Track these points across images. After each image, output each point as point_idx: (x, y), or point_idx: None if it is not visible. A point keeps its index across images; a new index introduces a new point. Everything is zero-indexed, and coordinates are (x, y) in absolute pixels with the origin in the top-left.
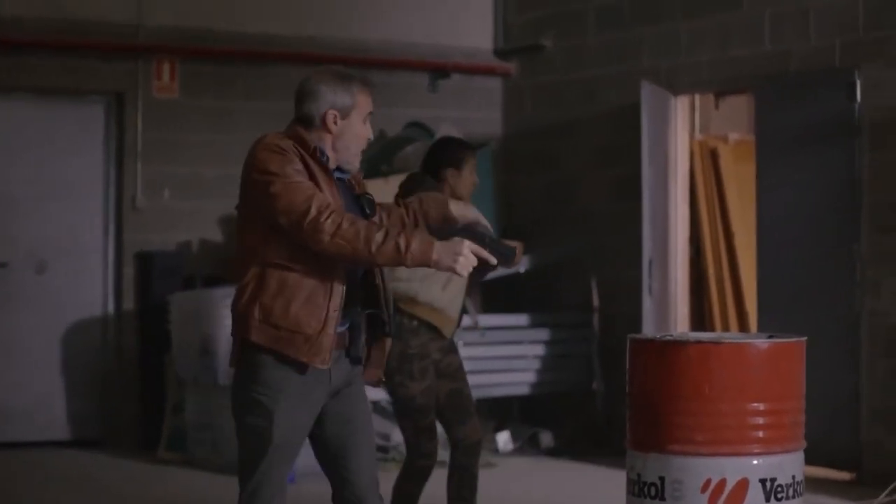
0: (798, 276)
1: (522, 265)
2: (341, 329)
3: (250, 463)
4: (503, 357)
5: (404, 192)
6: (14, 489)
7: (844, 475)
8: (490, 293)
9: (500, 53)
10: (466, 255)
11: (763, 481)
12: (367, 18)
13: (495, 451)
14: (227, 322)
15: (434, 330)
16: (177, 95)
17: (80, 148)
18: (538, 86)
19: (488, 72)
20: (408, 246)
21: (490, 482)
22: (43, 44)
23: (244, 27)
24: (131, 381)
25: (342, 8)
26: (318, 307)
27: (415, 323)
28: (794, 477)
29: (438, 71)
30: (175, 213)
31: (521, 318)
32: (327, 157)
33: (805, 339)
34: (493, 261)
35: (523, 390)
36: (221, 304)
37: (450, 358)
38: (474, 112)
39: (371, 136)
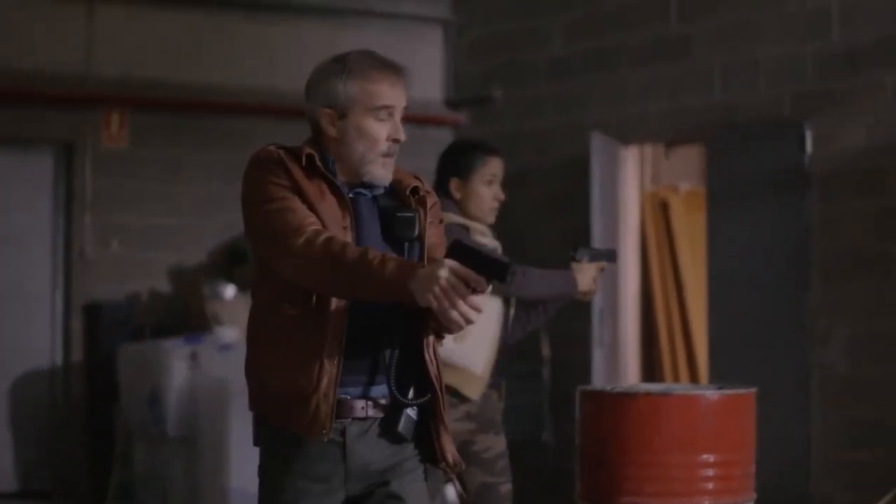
0: (749, 326)
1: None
2: (358, 393)
3: None
4: None
5: None
6: None
7: None
8: None
9: (450, 104)
10: (444, 280)
11: None
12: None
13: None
14: (175, 373)
15: (453, 393)
16: (126, 145)
17: (28, 198)
18: (489, 136)
19: (438, 122)
20: (383, 265)
21: None
22: None
23: (193, 78)
24: (80, 432)
25: (290, 60)
26: (310, 360)
27: None
28: None
29: None
30: (124, 263)
31: None
32: (333, 167)
33: (755, 390)
34: (482, 284)
35: None
36: (170, 356)
37: (488, 439)
38: (426, 162)
39: (398, 135)
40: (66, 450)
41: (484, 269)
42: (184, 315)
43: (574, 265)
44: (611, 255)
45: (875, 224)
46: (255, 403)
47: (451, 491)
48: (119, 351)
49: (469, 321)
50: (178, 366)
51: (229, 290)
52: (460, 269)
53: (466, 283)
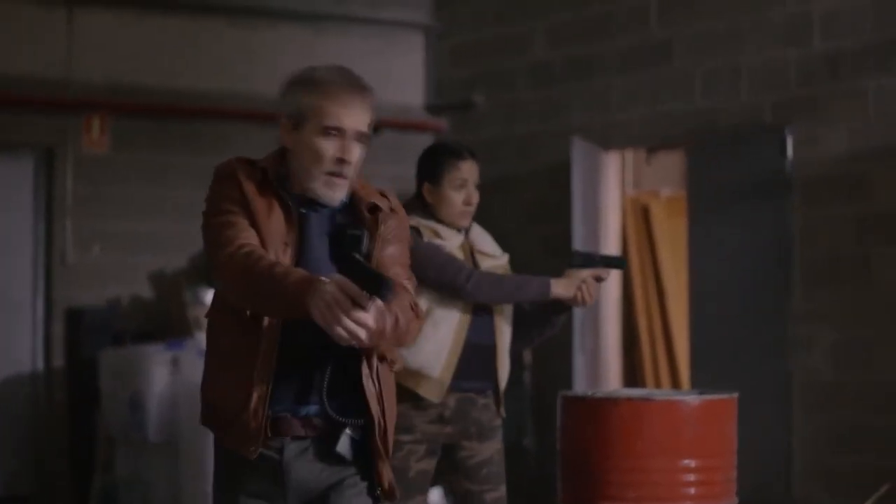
0: (730, 331)
1: None
2: (295, 411)
3: None
4: None
5: None
6: None
7: None
8: None
9: (431, 110)
10: (327, 296)
11: None
12: None
13: None
14: (156, 378)
15: (415, 396)
16: (107, 150)
17: (8, 203)
18: (470, 142)
19: (420, 128)
20: (286, 280)
21: None
22: None
23: (175, 83)
24: (61, 437)
25: (272, 65)
26: (243, 375)
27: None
28: None
29: None
30: (105, 268)
31: None
32: (287, 182)
33: (737, 395)
34: (364, 299)
35: None
36: (151, 361)
37: (473, 446)
38: (408, 169)
39: (344, 155)
40: (47, 455)
41: (363, 283)
42: (165, 320)
43: (568, 270)
44: (612, 262)
45: (856, 229)
46: (202, 417)
47: (435, 494)
48: (100, 356)
49: (356, 337)
50: (159, 371)
51: (210, 296)
52: (344, 284)
53: (350, 299)
